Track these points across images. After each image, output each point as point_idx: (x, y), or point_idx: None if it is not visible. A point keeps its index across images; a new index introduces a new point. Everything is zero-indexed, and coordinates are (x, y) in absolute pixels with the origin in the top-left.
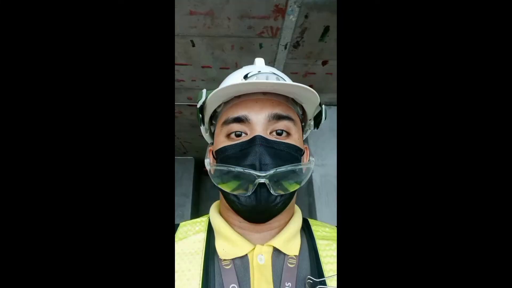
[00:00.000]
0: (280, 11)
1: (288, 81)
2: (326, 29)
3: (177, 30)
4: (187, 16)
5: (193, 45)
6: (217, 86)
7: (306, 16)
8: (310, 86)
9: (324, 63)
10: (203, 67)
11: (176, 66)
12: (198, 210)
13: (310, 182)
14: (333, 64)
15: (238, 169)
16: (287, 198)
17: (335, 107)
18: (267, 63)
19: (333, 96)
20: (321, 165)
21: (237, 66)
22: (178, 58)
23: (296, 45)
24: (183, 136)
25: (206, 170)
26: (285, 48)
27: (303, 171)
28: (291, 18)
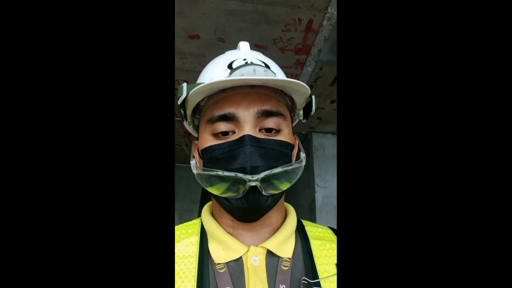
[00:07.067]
0: (300, 64)
1: (276, 69)
2: (336, 78)
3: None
4: None
5: None
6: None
7: (320, 68)
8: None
9: (332, 101)
10: None
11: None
12: None
13: (312, 201)
14: None
15: (227, 173)
16: (278, 196)
17: None
18: None
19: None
20: (324, 187)
21: None
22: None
23: (310, 87)
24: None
25: None
26: None
27: (295, 170)
28: (308, 69)
